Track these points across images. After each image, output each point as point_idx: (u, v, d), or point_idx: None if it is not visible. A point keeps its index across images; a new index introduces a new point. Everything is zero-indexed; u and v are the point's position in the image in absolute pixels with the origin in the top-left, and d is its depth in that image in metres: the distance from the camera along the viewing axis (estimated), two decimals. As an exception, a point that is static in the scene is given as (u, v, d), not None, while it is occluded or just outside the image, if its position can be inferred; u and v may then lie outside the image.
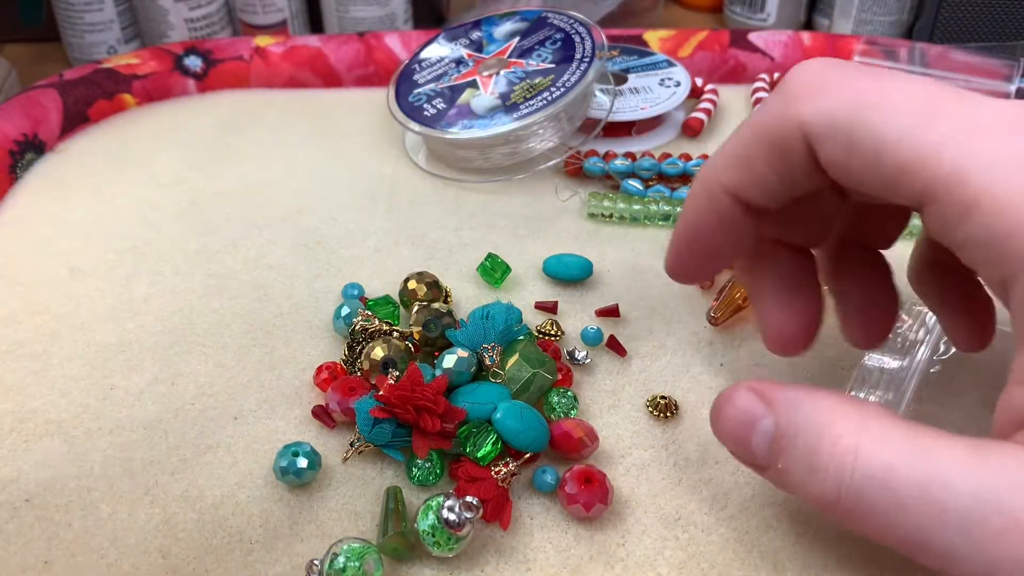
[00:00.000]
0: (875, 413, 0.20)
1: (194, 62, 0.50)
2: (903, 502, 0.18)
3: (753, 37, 0.51)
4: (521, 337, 0.31)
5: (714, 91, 0.48)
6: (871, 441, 0.19)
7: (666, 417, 0.30)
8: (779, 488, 0.22)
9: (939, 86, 0.21)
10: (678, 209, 0.38)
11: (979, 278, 0.22)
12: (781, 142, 0.23)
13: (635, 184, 0.40)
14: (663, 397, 0.30)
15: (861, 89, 0.21)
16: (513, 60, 0.43)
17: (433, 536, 0.25)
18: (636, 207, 0.38)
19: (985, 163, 0.19)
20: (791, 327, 0.27)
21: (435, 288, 0.33)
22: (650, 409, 0.30)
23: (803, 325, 0.27)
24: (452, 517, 0.24)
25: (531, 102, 0.40)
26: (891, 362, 0.31)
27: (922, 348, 0.31)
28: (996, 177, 0.19)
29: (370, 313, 0.32)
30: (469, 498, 0.25)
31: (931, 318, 0.32)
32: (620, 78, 0.46)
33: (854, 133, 0.21)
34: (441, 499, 0.25)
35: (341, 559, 0.24)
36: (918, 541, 0.18)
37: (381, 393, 0.27)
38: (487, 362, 0.29)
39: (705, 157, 0.41)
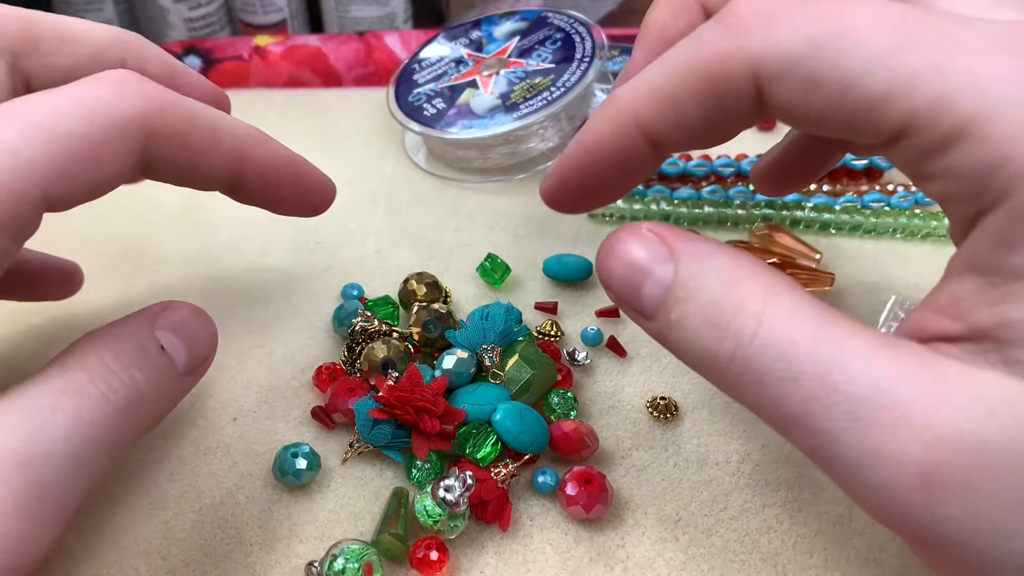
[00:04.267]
0: (788, 286, 0.19)
1: (193, 62, 0.50)
2: (797, 376, 0.18)
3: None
4: (521, 338, 0.31)
5: (714, 91, 0.47)
6: (778, 311, 0.18)
7: (666, 418, 0.30)
8: (659, 341, 0.21)
9: (908, 6, 0.19)
10: (680, 209, 0.38)
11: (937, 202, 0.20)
12: (722, 82, 0.20)
13: (635, 184, 0.40)
14: (663, 398, 0.30)
15: (819, 17, 0.19)
16: (513, 60, 0.43)
17: (428, 514, 0.25)
18: (636, 207, 0.38)
19: (975, 87, 0.17)
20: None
21: (435, 288, 0.33)
22: (650, 410, 0.30)
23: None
24: (449, 497, 0.25)
25: (531, 102, 0.39)
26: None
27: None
28: (986, 102, 0.17)
29: (370, 313, 0.32)
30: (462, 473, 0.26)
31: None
32: (620, 78, 0.46)
33: (815, 69, 0.18)
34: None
35: (340, 560, 0.24)
36: (801, 419, 0.18)
37: (381, 394, 0.27)
38: (487, 363, 0.29)
39: (706, 158, 0.41)
